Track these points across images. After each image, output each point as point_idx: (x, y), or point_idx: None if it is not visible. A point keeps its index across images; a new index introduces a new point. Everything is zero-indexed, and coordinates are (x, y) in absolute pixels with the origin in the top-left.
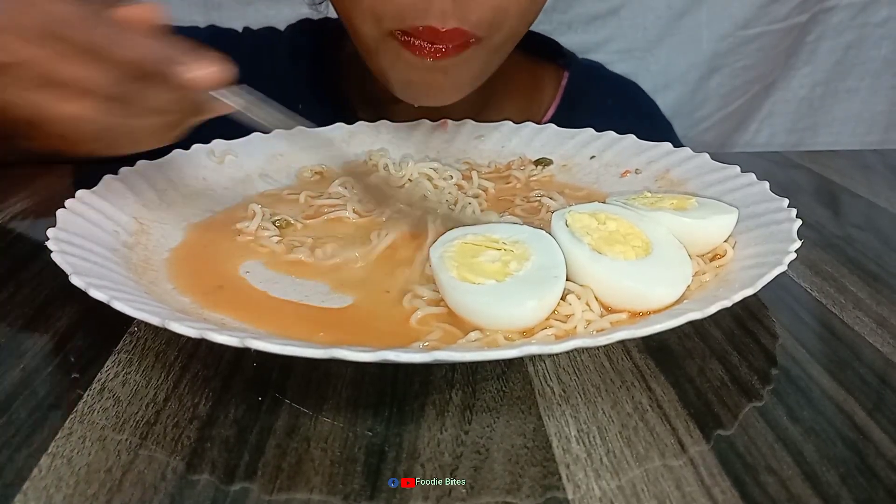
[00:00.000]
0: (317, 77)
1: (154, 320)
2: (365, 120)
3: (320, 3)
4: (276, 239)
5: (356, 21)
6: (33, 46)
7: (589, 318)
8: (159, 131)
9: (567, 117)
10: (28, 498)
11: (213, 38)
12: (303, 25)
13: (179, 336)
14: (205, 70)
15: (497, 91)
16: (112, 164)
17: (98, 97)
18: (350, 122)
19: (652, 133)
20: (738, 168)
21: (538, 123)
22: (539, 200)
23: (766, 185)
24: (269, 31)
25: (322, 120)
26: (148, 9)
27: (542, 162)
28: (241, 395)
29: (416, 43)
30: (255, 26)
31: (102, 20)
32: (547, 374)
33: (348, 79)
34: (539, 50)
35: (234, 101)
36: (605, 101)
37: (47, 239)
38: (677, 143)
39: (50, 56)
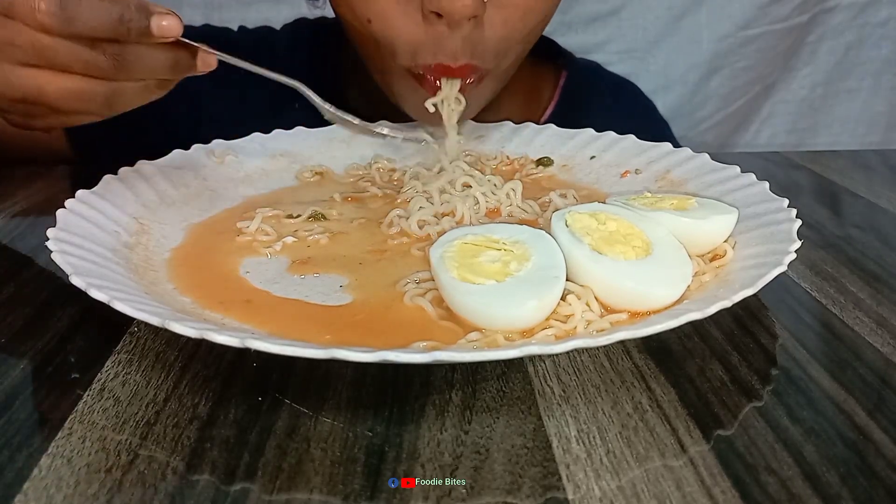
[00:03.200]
0: (316, 77)
1: (154, 320)
2: (364, 120)
3: (317, 0)
4: (286, 241)
5: (371, 53)
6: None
7: (589, 319)
8: (147, 90)
9: (565, 117)
10: (28, 498)
11: (208, 37)
12: (299, 25)
13: (179, 336)
14: (167, 20)
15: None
16: (112, 164)
17: (81, 69)
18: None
19: (649, 133)
20: (738, 168)
21: (537, 123)
22: (550, 199)
23: (766, 185)
24: (266, 31)
25: (320, 121)
26: None
27: (543, 162)
28: (241, 395)
29: (430, 79)
30: (252, 27)
31: None
32: (547, 375)
33: (348, 80)
34: (537, 50)
35: (210, 53)
36: (603, 100)
37: (47, 239)
38: (674, 143)
39: (26, 34)
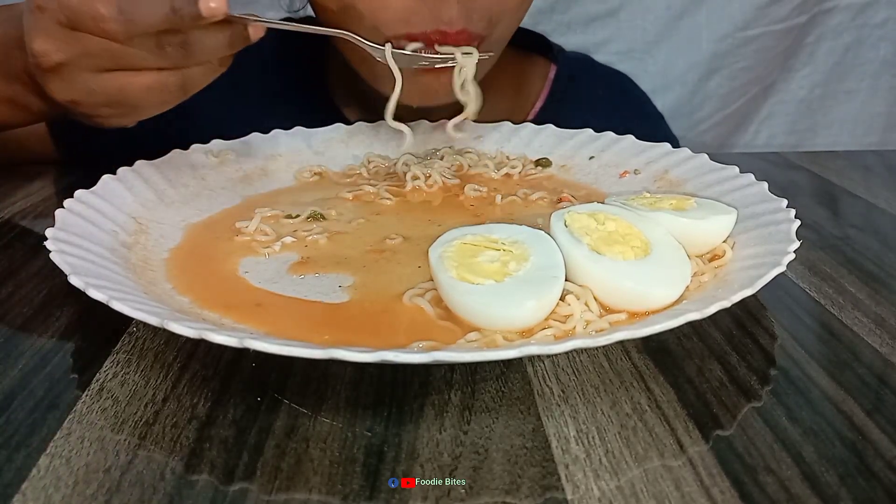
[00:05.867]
0: (303, 78)
1: (153, 320)
2: (351, 120)
3: (298, 11)
4: (285, 241)
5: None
6: (74, 41)
7: (588, 319)
8: (212, 69)
9: (555, 110)
10: (27, 498)
11: None
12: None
13: (178, 336)
14: (213, 1)
15: (484, 85)
16: (110, 164)
17: (153, 64)
18: (336, 122)
19: (643, 125)
20: (736, 168)
21: (526, 116)
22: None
23: (765, 185)
24: None
25: (308, 122)
26: None
27: (542, 163)
28: (239, 395)
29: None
30: None
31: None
32: (546, 375)
33: (335, 81)
34: (526, 44)
35: (258, 23)
36: (595, 92)
37: (46, 238)
38: (669, 135)
39: (98, 44)
